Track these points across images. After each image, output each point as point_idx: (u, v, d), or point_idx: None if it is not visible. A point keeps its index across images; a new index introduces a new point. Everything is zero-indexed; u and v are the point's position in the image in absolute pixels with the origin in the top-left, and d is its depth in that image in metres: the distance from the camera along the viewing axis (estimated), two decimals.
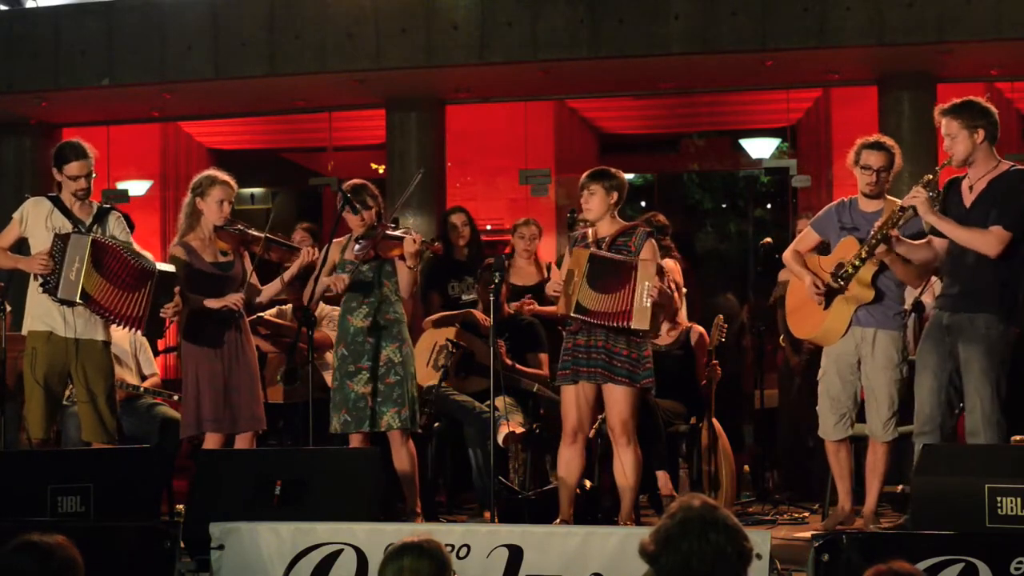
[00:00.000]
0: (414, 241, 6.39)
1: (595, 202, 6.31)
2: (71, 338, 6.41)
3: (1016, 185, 5.75)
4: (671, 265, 7.48)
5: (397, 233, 6.53)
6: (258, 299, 6.81)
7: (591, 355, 6.20)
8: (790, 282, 6.59)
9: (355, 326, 6.54)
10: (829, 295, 6.22)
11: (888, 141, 6.34)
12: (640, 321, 6.03)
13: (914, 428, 5.96)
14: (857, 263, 6.07)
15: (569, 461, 6.30)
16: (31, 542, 3.22)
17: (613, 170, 6.41)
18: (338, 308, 6.76)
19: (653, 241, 6.32)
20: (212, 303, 6.51)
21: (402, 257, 6.46)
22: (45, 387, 6.38)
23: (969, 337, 5.74)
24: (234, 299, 6.53)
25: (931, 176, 5.86)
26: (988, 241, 5.70)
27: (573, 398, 6.26)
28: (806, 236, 6.48)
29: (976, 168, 5.83)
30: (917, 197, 5.75)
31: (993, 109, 5.82)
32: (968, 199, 5.83)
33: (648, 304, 6.01)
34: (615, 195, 6.31)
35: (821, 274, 6.26)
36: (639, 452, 6.27)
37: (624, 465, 6.22)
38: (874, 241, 5.97)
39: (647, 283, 6.01)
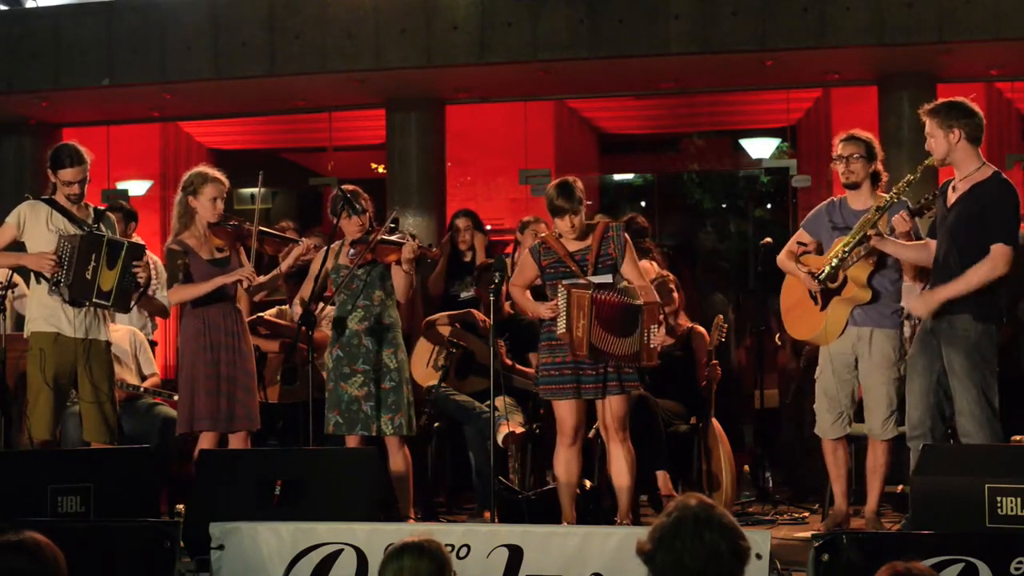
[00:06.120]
0: (411, 247, 6.39)
1: (576, 222, 6.20)
2: (79, 338, 6.40)
3: (998, 196, 5.72)
4: (646, 266, 7.46)
5: (394, 238, 6.52)
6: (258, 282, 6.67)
7: (598, 371, 6.15)
8: (784, 282, 6.56)
9: (351, 329, 6.54)
10: (826, 295, 6.22)
11: (863, 134, 6.38)
12: (650, 359, 6.17)
13: (906, 432, 5.97)
14: (842, 255, 6.08)
15: (568, 462, 6.25)
16: (16, 541, 3.13)
17: (578, 184, 6.24)
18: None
19: (626, 234, 6.31)
20: (223, 279, 6.48)
21: (399, 262, 6.46)
22: (55, 388, 6.37)
23: (949, 339, 5.73)
24: (246, 272, 6.49)
25: (912, 176, 5.86)
26: (995, 265, 5.65)
27: (573, 407, 6.21)
28: (798, 237, 6.47)
29: (959, 169, 5.83)
30: (901, 226, 5.93)
31: (976, 110, 5.78)
32: (950, 199, 5.83)
33: (654, 345, 6.13)
34: (583, 212, 6.26)
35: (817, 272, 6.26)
36: (632, 448, 6.25)
37: (620, 462, 6.19)
38: (857, 237, 6.02)
39: (653, 326, 6.10)
